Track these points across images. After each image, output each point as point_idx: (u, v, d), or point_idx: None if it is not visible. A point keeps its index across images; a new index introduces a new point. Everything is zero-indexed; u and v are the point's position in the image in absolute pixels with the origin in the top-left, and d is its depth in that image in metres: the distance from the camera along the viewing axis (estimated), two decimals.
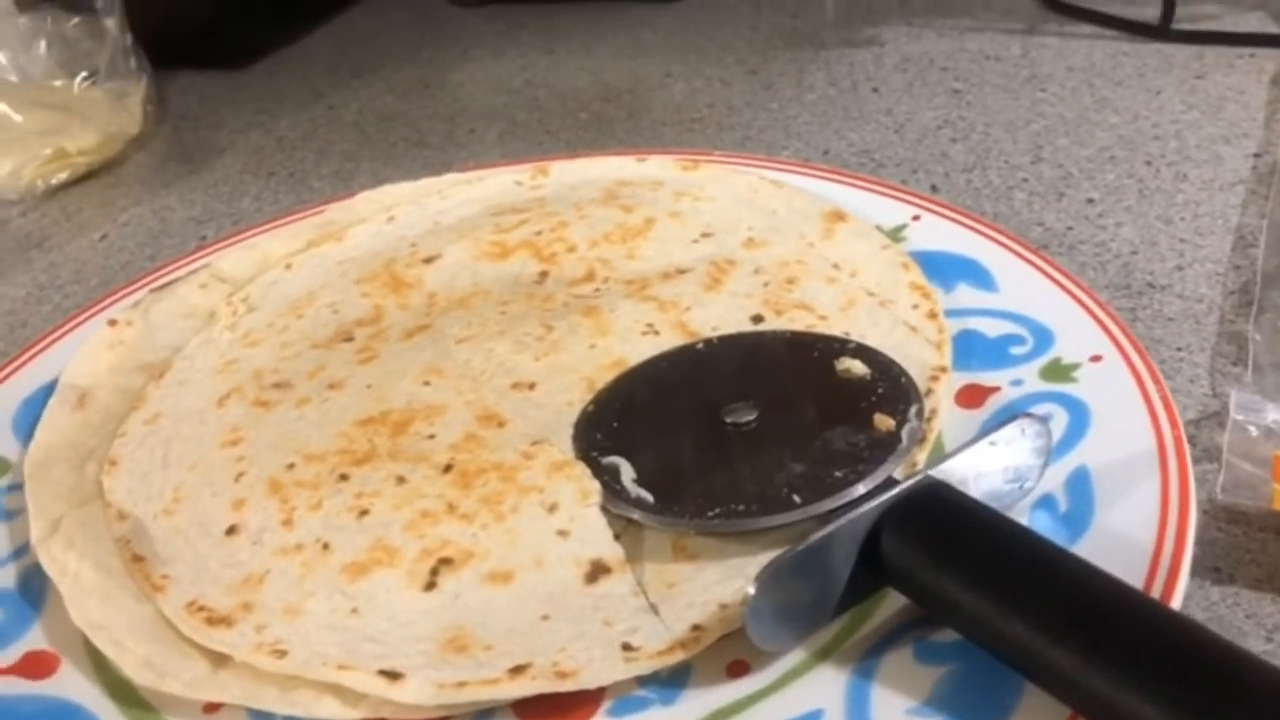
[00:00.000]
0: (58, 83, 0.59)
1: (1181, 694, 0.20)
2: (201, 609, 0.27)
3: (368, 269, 0.40)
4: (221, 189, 0.54)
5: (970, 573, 0.24)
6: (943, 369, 0.32)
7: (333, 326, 0.37)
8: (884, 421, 0.29)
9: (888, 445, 0.28)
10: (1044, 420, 0.28)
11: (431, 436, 0.32)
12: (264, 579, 0.28)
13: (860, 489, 0.27)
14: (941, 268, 0.37)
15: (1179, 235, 0.41)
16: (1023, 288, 0.35)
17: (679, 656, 0.25)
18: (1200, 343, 0.36)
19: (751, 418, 0.30)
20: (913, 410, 0.29)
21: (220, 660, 0.26)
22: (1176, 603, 0.24)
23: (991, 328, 0.34)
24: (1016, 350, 0.33)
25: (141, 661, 0.26)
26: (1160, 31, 0.56)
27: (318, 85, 0.64)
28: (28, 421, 0.35)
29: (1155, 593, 0.25)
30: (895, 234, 0.39)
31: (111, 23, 0.60)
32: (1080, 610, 0.23)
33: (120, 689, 0.26)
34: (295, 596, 0.27)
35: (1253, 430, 0.30)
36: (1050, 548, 0.24)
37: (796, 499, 0.27)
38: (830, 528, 0.25)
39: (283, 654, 0.26)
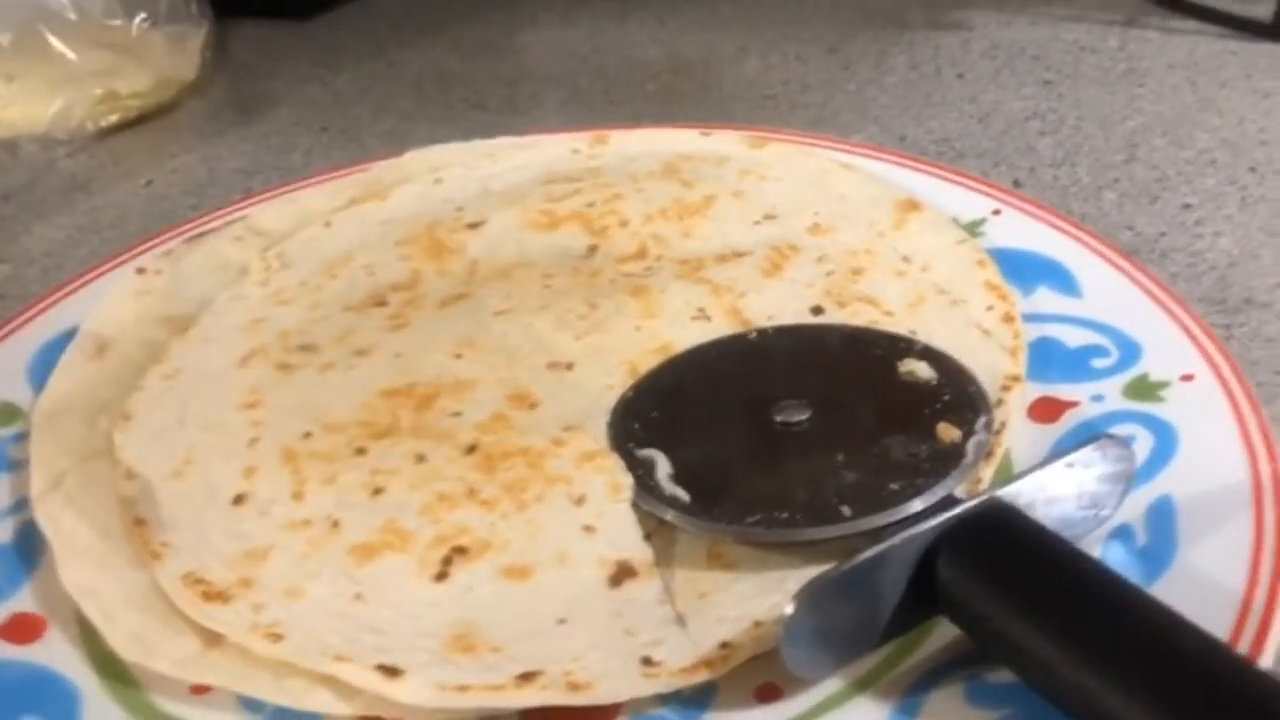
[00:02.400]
0: (115, 23, 0.57)
1: None
2: (199, 581, 0.25)
3: (409, 231, 0.38)
4: (273, 141, 0.52)
5: (1034, 609, 0.21)
6: (1016, 378, 0.30)
7: (367, 289, 0.36)
8: (948, 432, 0.26)
9: (951, 459, 0.26)
10: (1126, 443, 0.25)
11: (457, 414, 0.29)
12: (267, 554, 0.26)
13: (917, 505, 0.24)
14: (1021, 267, 0.34)
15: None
16: (1109, 295, 0.32)
17: (704, 676, 0.23)
18: None
19: (803, 418, 0.27)
20: (980, 422, 0.27)
21: (213, 639, 0.24)
22: (1267, 660, 0.22)
23: (1072, 336, 0.31)
24: (1099, 363, 0.30)
25: (130, 634, 0.25)
26: (1272, 30, 0.52)
27: (380, 41, 0.63)
28: (44, 368, 0.33)
29: (1243, 646, 0.22)
30: (973, 228, 0.36)
31: None
32: (1157, 662, 0.20)
33: (106, 661, 0.25)
34: (298, 576, 0.25)
35: None
36: (1126, 587, 0.22)
37: (846, 510, 0.25)
38: (881, 546, 0.22)
39: (278, 638, 0.24)
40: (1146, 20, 0.56)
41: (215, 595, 0.25)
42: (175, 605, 0.25)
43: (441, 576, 0.25)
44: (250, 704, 0.24)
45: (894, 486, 0.25)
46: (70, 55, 0.54)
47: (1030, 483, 0.24)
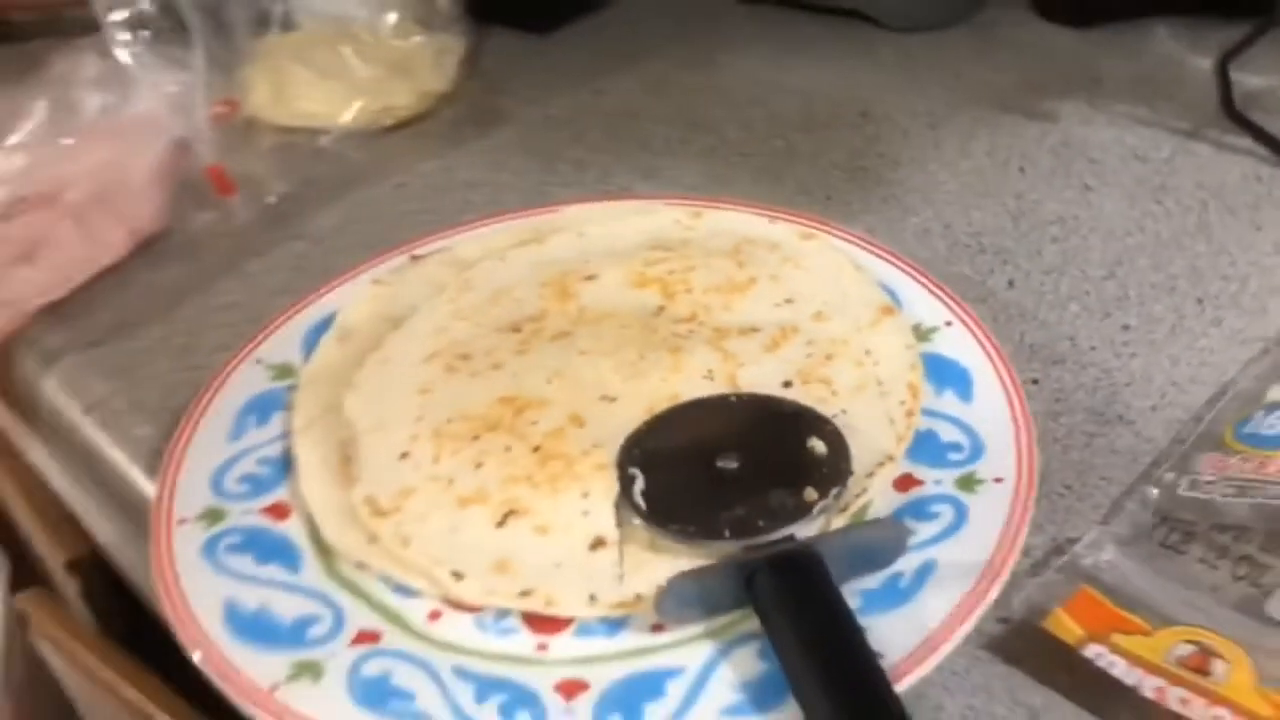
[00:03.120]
0: (397, 41, 0.77)
1: None
2: (370, 502, 0.45)
3: (550, 274, 0.56)
4: (491, 158, 0.70)
5: (786, 620, 0.38)
6: (890, 458, 0.45)
7: (511, 317, 0.54)
8: (810, 494, 0.42)
9: (802, 512, 0.42)
10: (906, 527, 0.41)
11: (535, 423, 0.47)
12: (411, 494, 0.45)
13: (764, 538, 0.41)
14: (944, 372, 0.49)
15: (1174, 378, 0.50)
16: (988, 407, 0.47)
17: (621, 612, 0.41)
18: (1126, 478, 0.46)
19: (734, 465, 0.44)
20: (833, 492, 0.43)
21: (373, 538, 0.44)
22: (922, 672, 0.37)
23: (948, 433, 0.46)
24: (954, 456, 0.45)
25: (331, 526, 0.44)
26: None
27: (594, 65, 0.80)
28: (312, 342, 0.54)
29: (915, 662, 0.37)
30: (928, 333, 0.51)
31: None
32: (838, 671, 0.36)
33: (317, 539, 0.45)
34: (424, 510, 0.45)
35: (1086, 560, 0.41)
36: (847, 625, 0.37)
37: (726, 533, 0.41)
38: (720, 562, 0.39)
39: (406, 543, 0.43)
40: (1207, 132, 0.66)
41: (378, 513, 0.44)
42: (357, 515, 0.45)
43: (501, 524, 0.44)
44: (385, 580, 0.43)
45: (760, 523, 0.42)
46: (362, 69, 0.74)
47: (835, 538, 0.40)
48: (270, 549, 0.44)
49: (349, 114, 0.73)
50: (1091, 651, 0.38)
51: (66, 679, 0.79)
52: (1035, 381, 0.50)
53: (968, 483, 0.44)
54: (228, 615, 0.41)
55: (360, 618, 0.42)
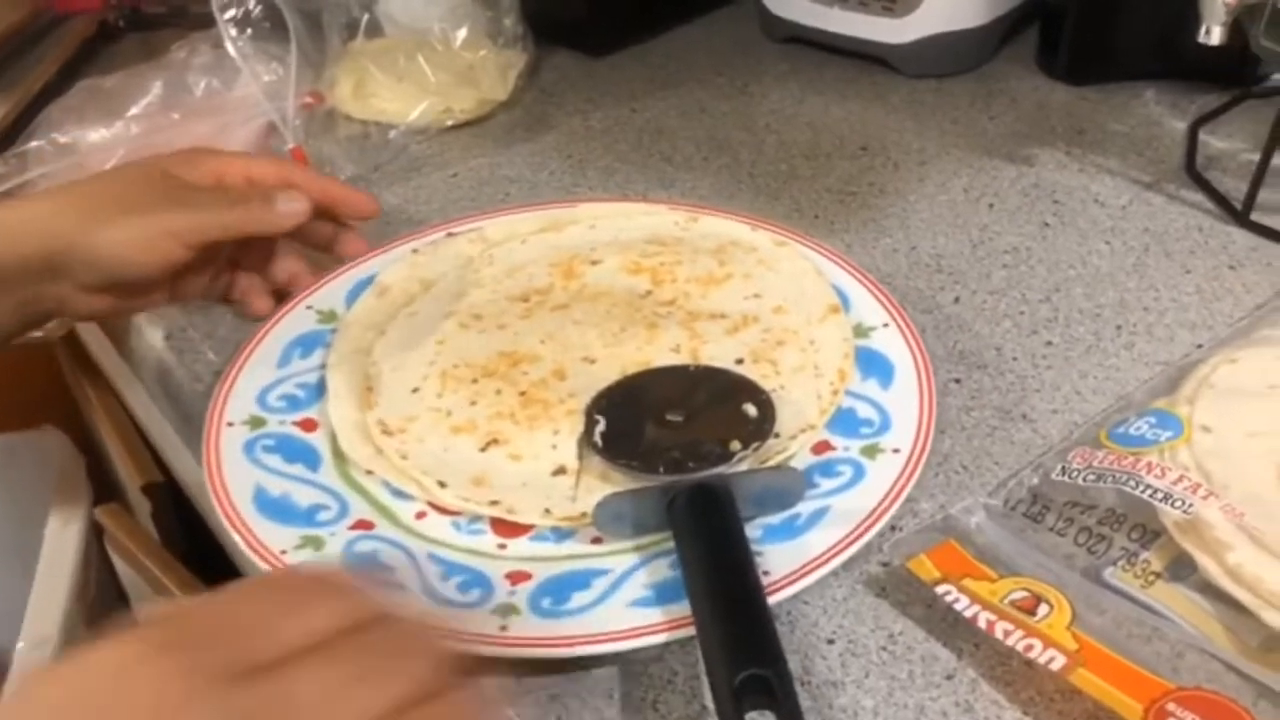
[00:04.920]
0: (466, 53, 0.87)
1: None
2: (381, 423, 0.55)
3: (561, 256, 0.66)
4: (533, 159, 0.81)
5: (686, 538, 0.47)
6: (811, 427, 0.54)
7: (523, 288, 0.64)
8: (734, 445, 0.51)
9: (725, 458, 0.51)
10: (803, 475, 0.49)
11: (526, 373, 0.57)
12: (415, 419, 0.55)
13: (689, 476, 0.50)
14: (872, 363, 0.57)
15: (1079, 389, 0.58)
16: (903, 394, 0.55)
17: (569, 524, 0.50)
18: (1015, 465, 0.54)
19: (679, 419, 0.53)
20: (753, 445, 0.51)
21: (379, 451, 0.54)
22: (795, 589, 0.46)
23: (865, 411, 0.55)
24: (864, 430, 0.54)
25: (347, 439, 0.54)
26: (1240, 216, 0.69)
27: (636, 88, 0.90)
28: (355, 295, 0.64)
29: (792, 583, 0.46)
30: (867, 331, 0.59)
31: (511, 14, 0.88)
32: (721, 579, 0.45)
33: (336, 448, 0.55)
34: (424, 433, 0.54)
35: (959, 521, 0.50)
36: (735, 544, 0.46)
37: (661, 470, 0.50)
38: (646, 486, 0.48)
39: (405, 458, 0.53)
40: (1166, 186, 0.73)
41: (386, 432, 0.54)
42: (369, 432, 0.55)
43: (484, 449, 0.53)
44: (385, 485, 0.53)
45: (690, 464, 0.51)
46: (431, 77, 0.85)
47: (743, 477, 0.49)
48: (297, 452, 0.55)
49: (416, 112, 0.84)
50: (942, 589, 0.46)
51: (131, 587, 0.90)
52: (958, 381, 0.59)
53: (870, 451, 0.52)
54: (256, 497, 0.51)
55: (360, 510, 0.52)
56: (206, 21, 0.81)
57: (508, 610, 0.46)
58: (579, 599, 0.47)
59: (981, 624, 0.45)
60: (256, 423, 0.56)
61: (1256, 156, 0.68)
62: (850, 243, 0.69)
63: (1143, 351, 0.60)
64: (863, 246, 0.69)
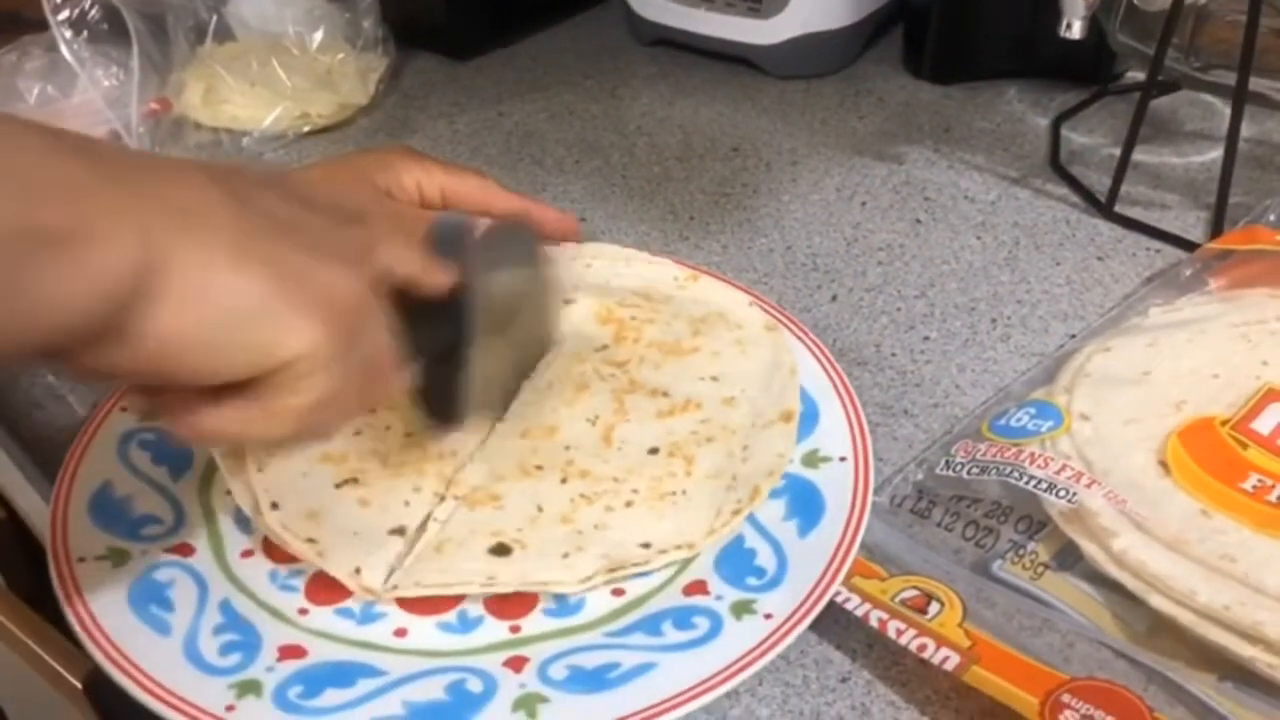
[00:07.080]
0: (323, 57, 0.84)
1: None
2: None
3: None
4: None
5: None
6: (689, 545, 0.46)
7: None
8: None
9: None
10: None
11: None
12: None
13: None
14: (805, 502, 0.48)
15: (958, 382, 0.58)
16: (819, 552, 0.46)
17: (368, 596, 0.44)
18: (900, 460, 0.53)
19: None
20: None
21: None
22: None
23: (764, 556, 0.46)
24: (751, 581, 0.45)
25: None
26: (1104, 209, 0.70)
27: (501, 91, 0.87)
28: None
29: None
30: (818, 461, 0.50)
31: (370, 16, 0.85)
32: None
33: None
34: (296, 451, 0.51)
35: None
36: None
37: None
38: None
39: (261, 470, 0.49)
40: (1033, 180, 0.74)
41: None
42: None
43: (339, 485, 0.47)
44: (235, 515, 0.50)
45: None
46: (286, 81, 0.81)
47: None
48: (169, 455, 0.50)
49: (271, 118, 0.80)
50: (833, 590, 0.45)
51: None
52: None
53: (742, 609, 0.44)
54: (98, 493, 0.48)
55: (190, 534, 0.47)
56: (39, 24, 0.76)
57: (247, 688, 0.40)
58: (330, 697, 0.40)
59: (874, 623, 0.44)
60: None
61: (1117, 151, 0.70)
62: (726, 244, 0.68)
63: (1019, 343, 0.60)
64: (738, 247, 0.68)
